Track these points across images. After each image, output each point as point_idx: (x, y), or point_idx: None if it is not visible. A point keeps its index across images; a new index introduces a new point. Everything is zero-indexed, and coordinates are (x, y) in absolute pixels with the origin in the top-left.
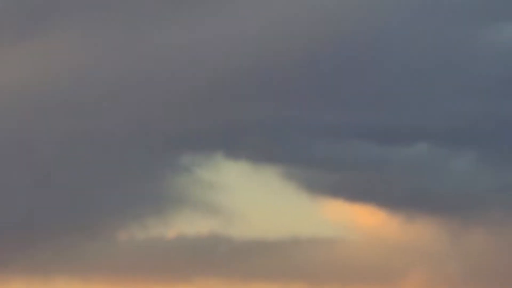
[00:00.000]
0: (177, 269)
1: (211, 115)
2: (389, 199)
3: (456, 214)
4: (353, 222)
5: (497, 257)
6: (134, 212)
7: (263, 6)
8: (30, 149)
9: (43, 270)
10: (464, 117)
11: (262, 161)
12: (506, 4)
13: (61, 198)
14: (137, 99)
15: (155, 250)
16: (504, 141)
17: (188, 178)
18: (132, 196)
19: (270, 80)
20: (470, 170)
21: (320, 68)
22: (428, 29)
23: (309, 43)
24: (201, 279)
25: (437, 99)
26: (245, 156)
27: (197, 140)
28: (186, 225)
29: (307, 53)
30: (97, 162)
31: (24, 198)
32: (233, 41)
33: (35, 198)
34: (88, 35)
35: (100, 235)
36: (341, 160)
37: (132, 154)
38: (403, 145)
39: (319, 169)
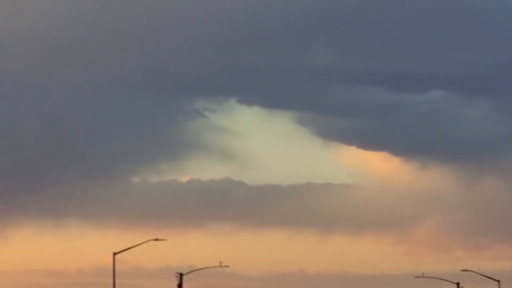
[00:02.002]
0: (191, 214)
1: (224, 61)
2: (403, 146)
3: (470, 161)
4: (367, 168)
5: (510, 203)
6: (147, 156)
7: None
8: (42, 94)
9: (55, 215)
10: (479, 64)
11: (275, 107)
12: None
13: (74, 143)
14: (150, 44)
15: (168, 196)
16: None
17: (201, 123)
18: (145, 140)
19: (285, 27)
20: (484, 117)
21: (334, 15)
22: None
23: None
24: (215, 224)
25: (452, 46)
26: (258, 102)
27: (210, 86)
28: (200, 170)
29: (321, 0)
30: (110, 107)
31: (36, 143)
32: None
33: (48, 143)
34: None
35: (113, 180)
36: (355, 107)
37: (146, 98)
38: (418, 92)
39: (332, 115)
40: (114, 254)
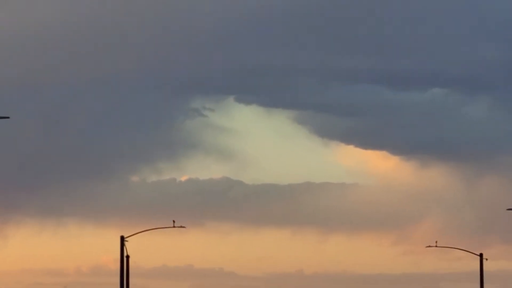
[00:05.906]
0: (189, 214)
1: (223, 59)
2: (403, 144)
3: (470, 160)
4: (365, 167)
5: (510, 203)
6: (146, 156)
7: None
8: (39, 93)
9: (55, 213)
10: (480, 63)
11: (273, 106)
12: None
13: (72, 142)
14: (148, 44)
15: (167, 195)
16: None
17: (199, 122)
18: (144, 139)
19: (283, 25)
20: (485, 116)
21: (333, 13)
22: None
23: None
24: (213, 223)
25: (452, 44)
26: (256, 100)
27: (208, 84)
28: (199, 169)
29: None
30: (109, 106)
31: (34, 142)
32: None
33: (46, 142)
34: None
35: (111, 179)
36: (354, 105)
37: (144, 97)
38: (418, 90)
39: (331, 114)
40: None
